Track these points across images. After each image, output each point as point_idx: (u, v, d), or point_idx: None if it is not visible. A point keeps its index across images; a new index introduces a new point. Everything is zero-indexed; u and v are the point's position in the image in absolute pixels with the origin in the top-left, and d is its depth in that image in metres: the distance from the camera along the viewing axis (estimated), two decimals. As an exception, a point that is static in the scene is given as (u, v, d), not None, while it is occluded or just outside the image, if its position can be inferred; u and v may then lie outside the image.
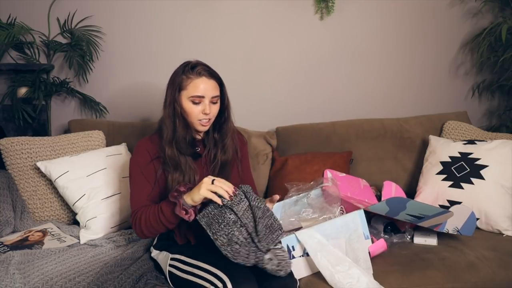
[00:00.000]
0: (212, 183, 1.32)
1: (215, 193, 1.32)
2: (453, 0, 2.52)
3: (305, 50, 2.44)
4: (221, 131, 1.57)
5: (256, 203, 1.33)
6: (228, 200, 1.31)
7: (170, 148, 1.48)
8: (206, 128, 1.53)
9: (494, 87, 2.57)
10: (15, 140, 1.91)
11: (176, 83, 1.48)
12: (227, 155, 1.56)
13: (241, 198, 1.33)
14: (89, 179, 1.82)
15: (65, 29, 2.21)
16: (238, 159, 1.64)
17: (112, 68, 2.30)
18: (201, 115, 1.48)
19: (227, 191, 1.32)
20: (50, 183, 1.89)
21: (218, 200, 1.31)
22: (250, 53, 2.40)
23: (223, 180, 1.34)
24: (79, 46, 2.18)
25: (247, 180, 1.69)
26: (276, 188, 2.07)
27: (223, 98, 1.54)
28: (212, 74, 1.49)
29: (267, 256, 1.30)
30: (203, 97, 1.47)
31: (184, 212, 1.34)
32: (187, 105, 1.48)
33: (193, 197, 1.34)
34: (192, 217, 1.35)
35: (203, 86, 1.46)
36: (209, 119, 1.50)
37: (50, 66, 2.16)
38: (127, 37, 2.29)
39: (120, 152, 1.97)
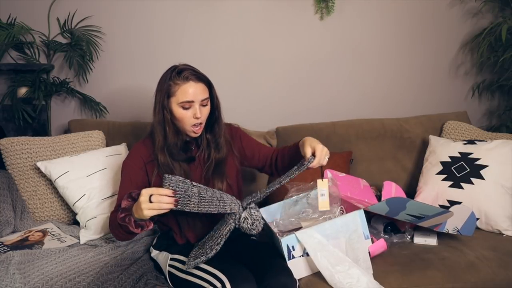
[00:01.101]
0: (150, 200, 1.25)
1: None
2: (453, 0, 2.52)
3: (305, 50, 2.44)
4: (213, 131, 1.57)
5: (200, 189, 1.33)
6: (178, 205, 1.26)
7: (163, 155, 1.49)
8: (198, 134, 1.53)
9: (494, 87, 2.57)
10: (15, 140, 1.91)
11: (164, 90, 1.47)
12: (221, 153, 1.57)
13: (187, 195, 1.28)
14: (89, 179, 1.82)
15: (65, 29, 2.21)
16: (235, 150, 1.64)
17: (112, 68, 2.30)
18: (192, 119, 1.47)
19: (168, 200, 1.26)
20: (50, 183, 1.89)
21: (168, 208, 1.26)
22: (250, 53, 2.40)
23: (160, 191, 1.26)
24: (79, 46, 2.18)
25: (264, 151, 1.69)
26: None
27: (212, 99, 1.53)
28: (200, 78, 1.48)
29: (243, 215, 1.34)
30: (192, 101, 1.46)
31: (140, 229, 1.34)
32: (177, 111, 1.47)
33: (141, 217, 1.29)
34: (151, 226, 1.35)
35: (191, 91, 1.45)
36: (201, 123, 1.50)
37: (50, 66, 2.16)
38: (127, 37, 2.29)
39: (120, 152, 1.97)
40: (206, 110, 1.51)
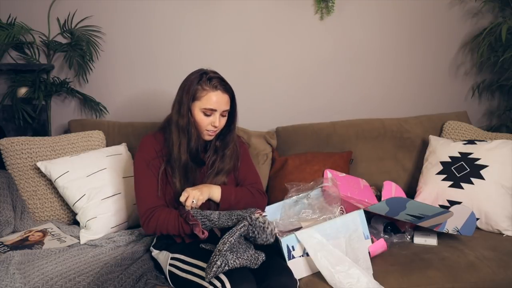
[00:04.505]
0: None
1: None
2: (453, 0, 2.52)
3: (305, 50, 2.44)
4: (224, 140, 1.60)
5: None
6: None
7: (185, 157, 1.51)
8: (211, 138, 1.57)
9: (494, 87, 2.57)
10: (15, 140, 1.91)
11: (191, 93, 1.49)
12: (224, 164, 1.58)
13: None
14: (89, 179, 1.82)
15: (65, 29, 2.21)
16: (237, 167, 1.65)
17: (112, 68, 2.30)
18: (210, 126, 1.52)
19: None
20: (50, 183, 1.89)
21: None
22: (250, 53, 2.40)
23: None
24: (79, 46, 2.18)
25: (248, 178, 1.69)
26: (276, 188, 2.07)
27: (231, 110, 1.57)
28: (227, 89, 1.52)
29: (254, 216, 1.36)
30: (215, 110, 1.50)
31: (202, 233, 1.41)
32: (198, 115, 1.50)
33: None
34: (206, 236, 1.43)
35: (216, 99, 1.49)
36: (216, 130, 1.54)
37: (50, 66, 2.16)
38: (127, 37, 2.29)
39: (120, 152, 1.97)
40: (224, 120, 1.55)
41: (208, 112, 1.50)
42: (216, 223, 1.43)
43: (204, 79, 1.49)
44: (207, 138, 1.56)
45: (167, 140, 1.55)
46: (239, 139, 1.71)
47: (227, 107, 1.53)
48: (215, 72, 1.54)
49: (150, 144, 1.56)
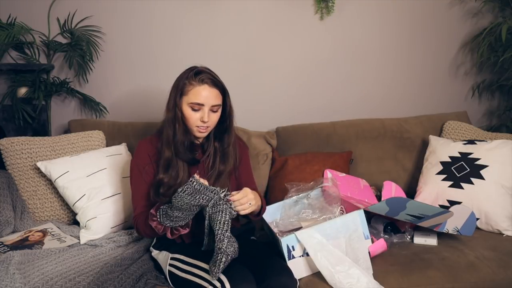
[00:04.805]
0: None
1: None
2: (453, 0, 2.52)
3: (305, 50, 2.44)
4: (222, 140, 1.57)
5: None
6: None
7: (169, 151, 1.50)
8: (203, 135, 1.53)
9: (494, 87, 2.57)
10: (15, 140, 1.91)
11: (179, 88, 1.48)
12: (226, 165, 1.56)
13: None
14: (89, 179, 1.82)
15: (65, 29, 2.21)
16: (237, 167, 1.63)
17: (112, 68, 2.30)
18: (199, 122, 1.48)
19: None
20: (50, 183, 1.89)
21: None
22: (250, 53, 2.40)
23: None
24: (79, 46, 2.18)
25: (249, 184, 1.64)
26: (276, 188, 2.07)
27: (225, 107, 1.53)
28: (215, 83, 1.48)
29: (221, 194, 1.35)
30: (202, 104, 1.47)
31: (177, 233, 1.40)
32: (186, 110, 1.48)
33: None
34: (187, 231, 1.40)
35: (204, 94, 1.46)
36: (207, 126, 1.50)
37: (50, 66, 2.16)
38: (127, 37, 2.29)
39: (120, 152, 1.97)
40: (215, 116, 1.51)
41: (195, 107, 1.47)
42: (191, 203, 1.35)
43: (192, 74, 1.48)
44: (199, 135, 1.52)
45: (161, 142, 1.53)
46: (240, 142, 1.69)
47: (217, 102, 1.49)
48: (205, 68, 1.51)
49: (144, 149, 1.55)
